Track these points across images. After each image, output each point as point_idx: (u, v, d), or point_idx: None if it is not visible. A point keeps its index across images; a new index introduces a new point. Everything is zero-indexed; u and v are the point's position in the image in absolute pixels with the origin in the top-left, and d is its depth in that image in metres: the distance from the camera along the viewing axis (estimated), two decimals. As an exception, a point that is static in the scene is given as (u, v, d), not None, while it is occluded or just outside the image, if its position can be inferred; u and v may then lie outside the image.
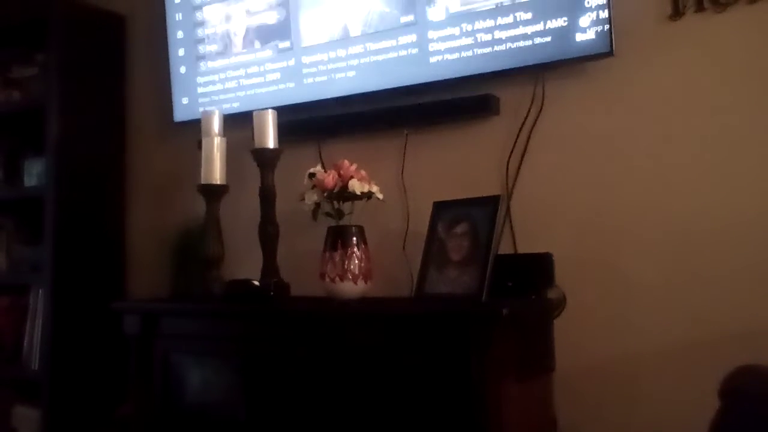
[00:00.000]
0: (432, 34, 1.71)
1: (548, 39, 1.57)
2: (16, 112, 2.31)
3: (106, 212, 2.28)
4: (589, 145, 1.61)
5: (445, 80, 1.70)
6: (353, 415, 1.41)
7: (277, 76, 1.95)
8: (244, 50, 2.00)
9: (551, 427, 1.53)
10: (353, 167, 1.60)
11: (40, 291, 2.13)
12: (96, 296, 2.13)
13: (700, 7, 1.50)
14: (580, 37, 1.54)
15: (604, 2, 1.50)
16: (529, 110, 1.65)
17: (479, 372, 1.26)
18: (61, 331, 2.08)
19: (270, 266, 1.74)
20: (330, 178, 1.58)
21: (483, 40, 1.64)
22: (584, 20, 1.53)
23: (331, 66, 1.85)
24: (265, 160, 1.75)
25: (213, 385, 1.66)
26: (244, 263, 1.81)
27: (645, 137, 1.55)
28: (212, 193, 1.78)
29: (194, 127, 1.88)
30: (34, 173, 2.24)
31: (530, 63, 1.60)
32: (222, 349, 1.65)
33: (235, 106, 2.00)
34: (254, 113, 1.77)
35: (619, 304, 1.54)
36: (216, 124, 1.82)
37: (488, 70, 1.64)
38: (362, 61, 1.80)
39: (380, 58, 1.78)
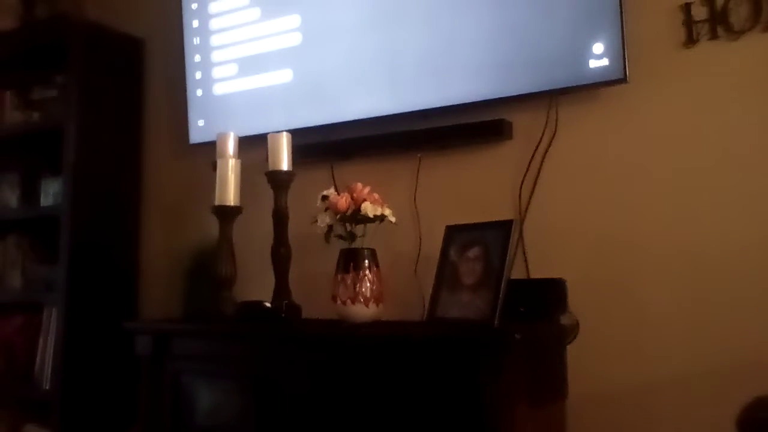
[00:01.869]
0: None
1: (562, 65, 1.58)
2: (35, 133, 2.34)
3: (120, 232, 2.30)
4: (603, 170, 1.60)
5: (459, 104, 1.71)
6: (363, 439, 1.40)
7: (292, 98, 1.96)
8: (260, 73, 2.03)
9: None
10: (366, 190, 1.61)
11: (54, 310, 2.14)
12: (109, 316, 2.14)
13: (714, 35, 1.50)
14: (593, 63, 1.55)
15: (618, 29, 1.51)
16: (542, 135, 1.66)
17: (491, 397, 1.25)
18: (73, 351, 2.09)
19: (282, 288, 1.74)
20: (343, 201, 1.58)
21: (497, 63, 1.65)
22: (598, 47, 1.54)
23: (348, 87, 1.87)
24: (279, 182, 1.76)
25: (223, 407, 1.65)
26: (256, 284, 1.81)
27: (658, 163, 1.54)
28: (226, 214, 1.79)
29: (209, 149, 1.90)
30: (50, 193, 2.27)
31: (544, 89, 1.60)
32: (233, 371, 1.64)
33: (250, 128, 2.01)
34: (269, 135, 1.78)
35: (633, 330, 1.53)
36: (231, 146, 1.84)
37: (502, 95, 1.65)
38: (376, 84, 1.82)
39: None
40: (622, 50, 1.51)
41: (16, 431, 2.19)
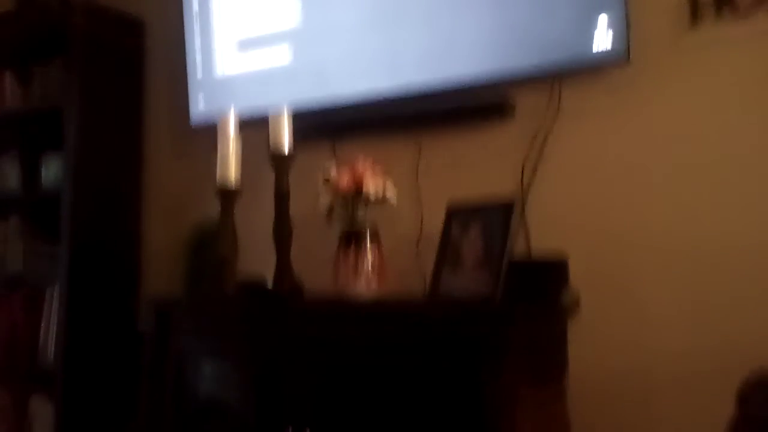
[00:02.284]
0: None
1: (565, 45, 1.57)
2: (35, 112, 2.34)
3: (122, 212, 2.30)
4: (605, 152, 1.60)
5: (459, 85, 1.70)
6: (364, 414, 1.41)
7: (293, 80, 1.96)
8: (261, 55, 2.02)
9: (564, 432, 1.52)
10: (367, 163, 1.60)
11: (56, 288, 2.15)
12: (111, 295, 2.15)
13: (719, 15, 1.49)
14: (597, 44, 1.54)
15: (622, 9, 1.50)
16: (544, 116, 1.65)
17: (492, 375, 1.26)
18: (75, 329, 2.10)
19: (283, 267, 1.74)
20: (344, 181, 1.58)
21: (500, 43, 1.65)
22: (601, 27, 1.53)
23: (348, 68, 1.86)
24: (280, 162, 1.76)
25: (225, 383, 1.66)
26: (258, 264, 1.82)
27: (661, 145, 1.54)
28: (227, 194, 1.78)
29: (210, 130, 1.90)
30: (51, 173, 2.27)
31: (547, 69, 1.60)
32: (235, 349, 1.65)
33: (251, 110, 2.01)
34: (270, 116, 1.78)
35: (634, 312, 1.54)
36: (232, 127, 1.83)
37: (505, 76, 1.65)
38: (377, 64, 1.82)
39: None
40: (625, 31, 1.50)
41: (22, 405, 2.22)
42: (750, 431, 0.97)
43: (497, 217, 1.49)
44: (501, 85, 1.67)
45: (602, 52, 1.53)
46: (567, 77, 1.62)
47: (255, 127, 1.86)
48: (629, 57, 1.50)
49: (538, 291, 1.51)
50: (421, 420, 1.34)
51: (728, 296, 1.44)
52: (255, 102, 2.02)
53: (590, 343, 1.54)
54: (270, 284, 1.65)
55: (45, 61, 2.36)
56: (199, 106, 2.14)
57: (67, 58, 2.24)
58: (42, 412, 2.15)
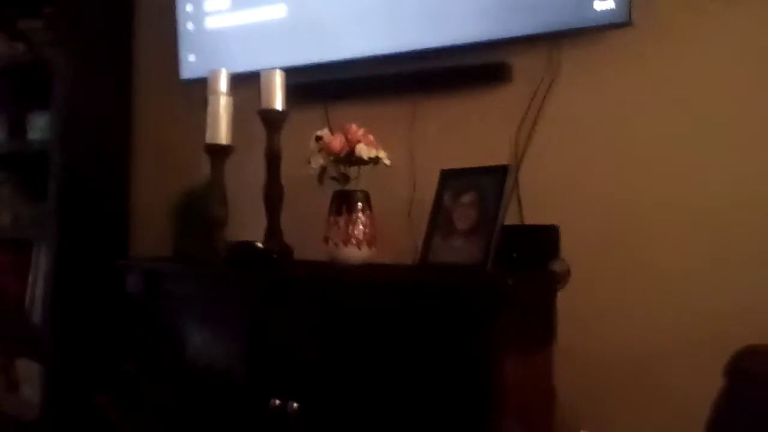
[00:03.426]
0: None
1: (565, 5, 1.53)
2: (21, 66, 2.28)
3: (110, 169, 2.27)
4: (603, 117, 1.57)
5: (457, 46, 1.66)
6: (354, 380, 1.41)
7: (286, 35, 1.91)
8: (254, 8, 1.96)
9: (551, 397, 1.53)
10: (361, 131, 1.58)
11: (43, 247, 2.13)
12: (99, 253, 2.13)
13: (724, -22, 1.45)
14: (598, 5, 1.50)
15: (625, -31, 1.46)
16: (542, 79, 1.62)
17: (482, 341, 1.25)
18: (63, 288, 2.09)
19: (274, 229, 1.72)
20: (337, 142, 1.55)
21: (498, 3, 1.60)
22: (603, -13, 1.49)
23: (345, 25, 1.81)
24: (272, 121, 1.72)
25: (215, 346, 1.66)
26: (248, 225, 1.80)
27: (663, 112, 1.51)
28: (217, 153, 1.75)
29: (201, 86, 1.85)
30: (38, 128, 2.23)
31: (545, 30, 1.56)
32: (224, 311, 1.64)
33: (243, 65, 1.96)
34: (261, 73, 1.74)
35: (625, 280, 1.53)
36: (223, 83, 1.79)
37: (502, 36, 1.60)
38: (374, 23, 1.76)
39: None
40: (628, -8, 1.46)
41: (9, 366, 2.21)
42: (745, 389, 0.97)
43: (491, 183, 1.47)
44: (499, 46, 1.63)
45: (604, 13, 1.49)
46: (567, 39, 1.58)
47: (247, 83, 1.82)
48: (631, 19, 1.46)
49: (530, 257, 1.50)
50: (411, 383, 1.34)
51: (724, 265, 1.43)
52: (247, 57, 1.97)
53: (582, 304, 1.53)
54: (260, 247, 1.63)
55: (32, 12, 2.29)
56: (189, 59, 2.09)
57: (54, 7, 2.17)
58: (29, 373, 2.15)
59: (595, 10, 1.50)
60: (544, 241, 1.53)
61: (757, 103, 1.42)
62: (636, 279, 1.52)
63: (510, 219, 1.59)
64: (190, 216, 2.00)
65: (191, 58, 2.09)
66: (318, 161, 1.60)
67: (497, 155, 1.64)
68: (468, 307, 1.27)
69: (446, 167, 1.56)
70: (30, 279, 2.15)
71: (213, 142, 1.74)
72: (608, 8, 1.49)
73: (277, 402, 1.46)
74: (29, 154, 2.24)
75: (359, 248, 1.55)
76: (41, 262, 2.13)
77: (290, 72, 1.76)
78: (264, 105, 1.72)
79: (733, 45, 1.45)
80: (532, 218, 1.61)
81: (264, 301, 1.57)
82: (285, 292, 1.54)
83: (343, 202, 1.57)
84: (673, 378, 1.46)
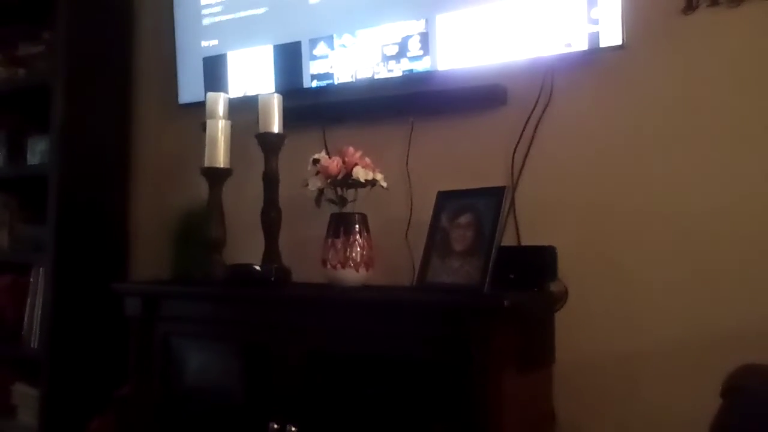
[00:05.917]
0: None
1: (559, 30, 1.55)
2: (21, 90, 2.30)
3: (109, 192, 2.27)
4: (597, 138, 1.59)
5: (453, 70, 1.68)
6: (351, 400, 1.41)
7: (282, 61, 1.93)
8: (251, 37, 1.98)
9: (550, 419, 1.53)
10: (358, 154, 1.59)
11: (42, 270, 2.13)
12: (98, 276, 2.13)
13: (714, 2, 1.47)
14: (590, 28, 1.52)
15: (617, -7, 1.48)
16: (537, 101, 1.64)
17: (479, 362, 1.25)
18: (62, 311, 2.08)
19: (272, 251, 1.73)
20: (334, 165, 1.57)
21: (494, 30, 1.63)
22: (595, 12, 1.51)
23: (338, 52, 1.84)
24: (270, 144, 1.74)
25: (213, 368, 1.65)
26: (246, 248, 1.81)
27: (654, 132, 1.53)
28: (215, 176, 1.77)
29: (199, 110, 1.87)
30: (37, 152, 2.24)
31: (540, 54, 1.58)
32: (222, 333, 1.64)
33: (241, 90, 1.98)
34: (259, 97, 1.76)
35: (622, 300, 1.53)
36: (221, 107, 1.81)
37: (497, 61, 1.63)
38: (369, 49, 1.79)
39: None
40: (620, 16, 1.48)
41: (6, 390, 2.20)
42: (742, 408, 0.96)
43: (488, 204, 1.47)
44: (494, 69, 1.65)
45: (596, 37, 1.51)
46: (560, 62, 1.60)
47: (245, 107, 1.84)
48: (623, 43, 1.49)
49: (527, 278, 1.51)
50: (409, 404, 1.34)
51: (720, 284, 1.44)
52: (245, 82, 1.99)
53: (579, 323, 1.54)
54: (258, 269, 1.63)
55: (31, 36, 2.32)
56: (188, 85, 2.11)
57: (54, 32, 2.19)
58: (27, 398, 2.14)
59: (588, 34, 1.52)
60: (541, 261, 1.53)
61: (746, 121, 1.44)
62: (633, 297, 1.52)
63: (507, 240, 1.60)
64: (188, 238, 2.01)
65: (190, 83, 2.11)
66: (315, 184, 1.61)
67: (493, 177, 1.65)
68: (465, 328, 1.27)
69: (443, 189, 1.57)
70: (28, 302, 2.15)
71: (211, 165, 1.75)
72: (600, 31, 1.51)
73: (275, 426, 1.46)
74: (28, 177, 2.24)
75: (357, 270, 1.55)
76: (40, 286, 2.12)
77: (288, 96, 1.78)
78: (262, 128, 1.73)
79: (722, 67, 1.47)
80: (529, 239, 1.62)
81: (262, 322, 1.57)
82: (283, 314, 1.54)
83: (341, 225, 1.57)
84: (670, 389, 1.46)
